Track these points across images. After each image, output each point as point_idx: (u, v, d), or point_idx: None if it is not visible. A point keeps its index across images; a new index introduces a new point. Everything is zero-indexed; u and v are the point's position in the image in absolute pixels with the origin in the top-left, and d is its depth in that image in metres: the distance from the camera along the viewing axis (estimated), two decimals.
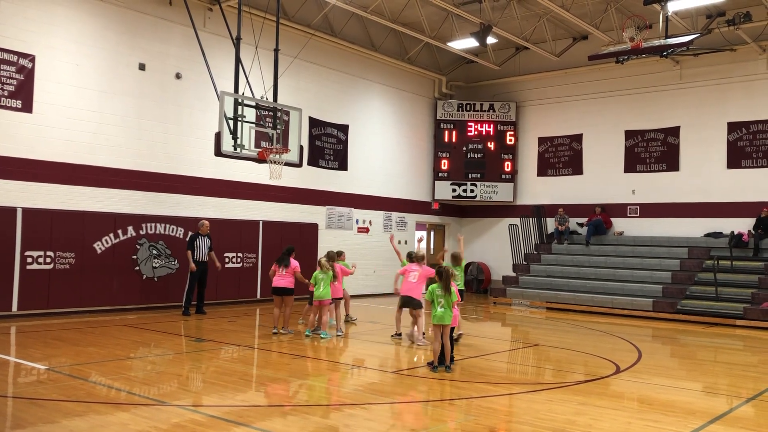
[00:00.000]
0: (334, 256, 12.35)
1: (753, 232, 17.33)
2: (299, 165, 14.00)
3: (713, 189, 18.56)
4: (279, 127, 12.99)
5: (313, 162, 18.39)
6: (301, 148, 13.87)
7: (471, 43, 18.28)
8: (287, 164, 13.17)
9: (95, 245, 13.75)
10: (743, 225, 17.67)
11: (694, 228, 18.65)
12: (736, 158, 18.31)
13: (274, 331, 11.72)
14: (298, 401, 7.39)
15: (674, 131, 19.38)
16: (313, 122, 18.39)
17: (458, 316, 9.56)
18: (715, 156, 18.62)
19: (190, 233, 14.38)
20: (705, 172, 18.77)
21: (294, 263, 11.92)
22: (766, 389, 8.46)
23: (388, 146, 21.04)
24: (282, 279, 11.80)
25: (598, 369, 9.41)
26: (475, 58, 21.11)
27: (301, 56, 17.50)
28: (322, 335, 11.42)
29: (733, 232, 17.55)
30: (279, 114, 13.10)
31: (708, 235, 18.34)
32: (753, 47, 17.51)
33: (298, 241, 17.77)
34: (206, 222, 14.17)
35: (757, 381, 9.02)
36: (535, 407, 7.22)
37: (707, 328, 14.96)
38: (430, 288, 9.03)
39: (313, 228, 18.25)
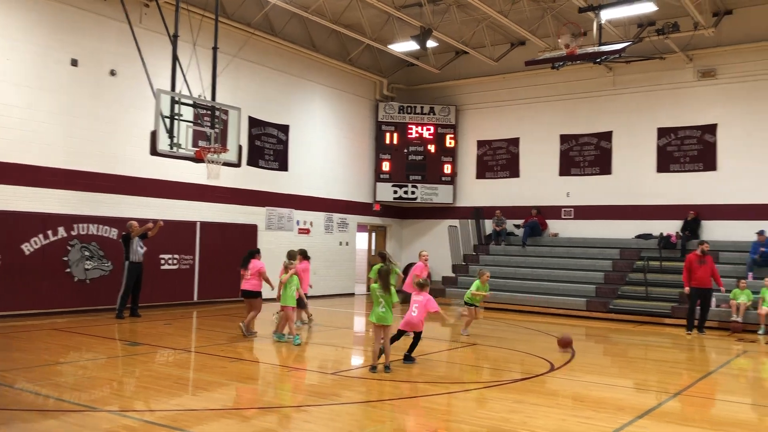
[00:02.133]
0: (296, 255, 11.97)
1: (680, 233, 18.04)
2: (238, 165, 13.82)
3: (644, 192, 19.23)
4: (217, 126, 12.79)
5: (253, 162, 18.17)
6: (240, 147, 13.69)
7: (412, 46, 18.43)
8: (226, 164, 12.98)
9: (23, 246, 13.21)
10: (672, 227, 18.38)
11: (626, 230, 19.28)
12: (665, 162, 19.03)
13: (245, 334, 11.54)
14: (234, 404, 7.28)
15: (607, 136, 20.00)
16: (253, 122, 18.17)
17: (421, 320, 9.46)
18: (645, 160, 19.30)
19: (122, 234, 14.00)
20: (636, 176, 19.43)
21: (257, 265, 11.69)
22: (692, 384, 8.82)
23: (329, 147, 20.98)
24: (246, 282, 11.67)
25: (533, 367, 9.62)
26: (416, 61, 21.29)
27: (241, 55, 17.27)
28: (294, 341, 10.91)
29: (662, 234, 18.24)
30: (217, 113, 12.89)
31: (639, 236, 19.00)
32: (681, 56, 18.23)
33: (237, 243, 17.55)
34: (134, 223, 13.83)
35: (684, 377, 9.39)
36: (472, 406, 7.32)
37: (638, 326, 15.48)
38: (371, 287, 9.08)
39: (252, 229, 18.03)
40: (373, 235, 23.48)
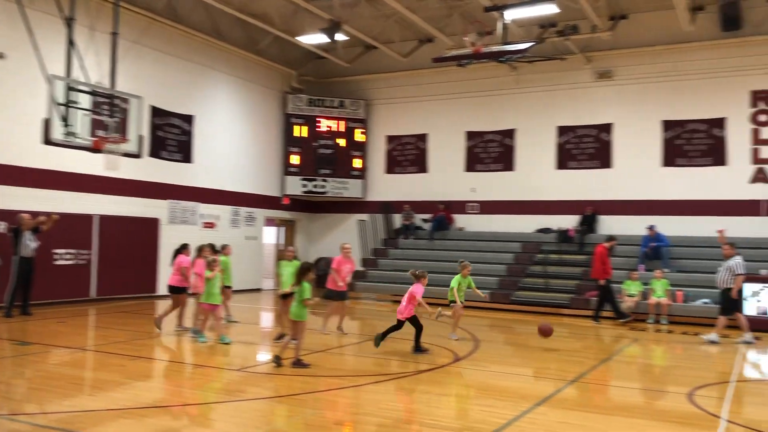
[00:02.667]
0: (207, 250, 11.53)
1: (578, 228, 18.87)
2: (139, 156, 13.31)
3: (544, 188, 19.97)
4: (117, 115, 12.26)
5: (155, 153, 17.52)
6: (141, 138, 13.19)
7: (321, 38, 18.32)
8: (126, 155, 12.48)
9: None
10: (570, 222, 19.19)
11: (528, 224, 19.97)
12: (564, 160, 19.83)
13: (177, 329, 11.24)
14: (134, 404, 7.00)
15: (510, 133, 20.63)
16: (156, 111, 17.52)
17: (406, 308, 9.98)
18: (546, 157, 20.04)
19: (12, 228, 13.17)
20: (537, 173, 20.15)
21: (181, 260, 11.35)
22: (587, 372, 9.24)
23: (236, 139, 20.55)
24: (171, 277, 11.47)
25: (439, 358, 9.79)
26: (326, 54, 21.17)
27: (143, 42, 16.61)
28: (199, 338, 10.52)
29: (560, 228, 19.03)
30: (117, 101, 12.35)
31: (539, 230, 19.72)
32: (580, 57, 19.04)
33: (138, 237, 16.93)
34: (25, 216, 13.05)
35: (581, 365, 9.81)
36: (379, 398, 7.37)
37: (538, 317, 16.06)
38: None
39: (154, 223, 17.41)
40: (282, 229, 23.21)
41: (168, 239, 17.03)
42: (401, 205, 21.71)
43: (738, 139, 17.72)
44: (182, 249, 11.67)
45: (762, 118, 17.54)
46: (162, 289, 17.41)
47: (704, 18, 17.55)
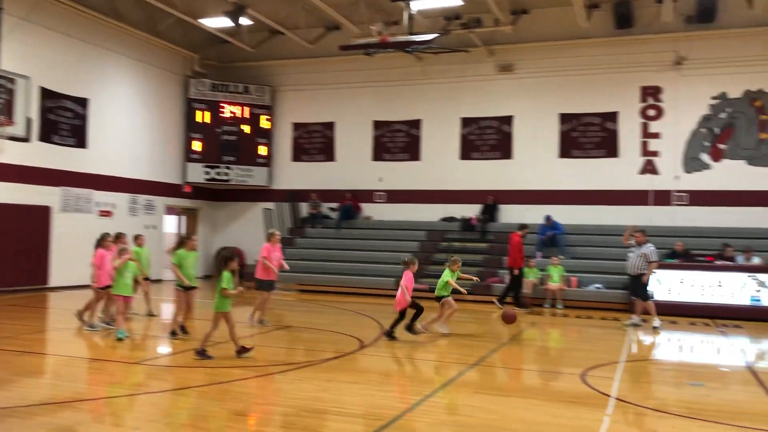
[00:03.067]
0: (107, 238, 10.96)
1: (480, 217, 19.40)
2: (27, 140, 12.54)
3: (449, 178, 20.37)
4: (2, 96, 11.47)
5: (46, 138, 16.51)
6: (30, 120, 12.45)
7: (224, 22, 17.85)
8: (12, 138, 11.72)
9: None
10: (473, 211, 19.69)
11: (433, 213, 20.33)
12: (468, 151, 20.30)
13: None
14: (22, 401, 6.60)
15: (416, 124, 20.89)
16: (46, 93, 16.48)
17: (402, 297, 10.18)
18: (450, 148, 20.44)
19: None
20: (442, 163, 20.53)
21: (97, 253, 10.67)
22: (487, 355, 9.53)
23: (134, 123, 19.73)
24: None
25: (345, 346, 9.82)
26: (230, 38, 20.65)
27: (31, 19, 15.61)
28: (117, 334, 9.81)
29: (464, 217, 19.50)
30: (2, 81, 11.56)
31: (444, 219, 20.13)
32: (483, 50, 19.49)
33: (26, 226, 15.99)
34: None
35: (481, 349, 10.10)
36: (285, 387, 7.32)
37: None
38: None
39: (44, 211, 16.47)
40: (183, 218, 22.53)
41: (61, 228, 16.17)
42: (308, 194, 21.57)
43: (629, 132, 18.72)
44: (100, 240, 11.01)
45: (651, 112, 18.59)
46: (55, 281, 16.56)
47: (599, 15, 18.38)
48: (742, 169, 17.72)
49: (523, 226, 16.19)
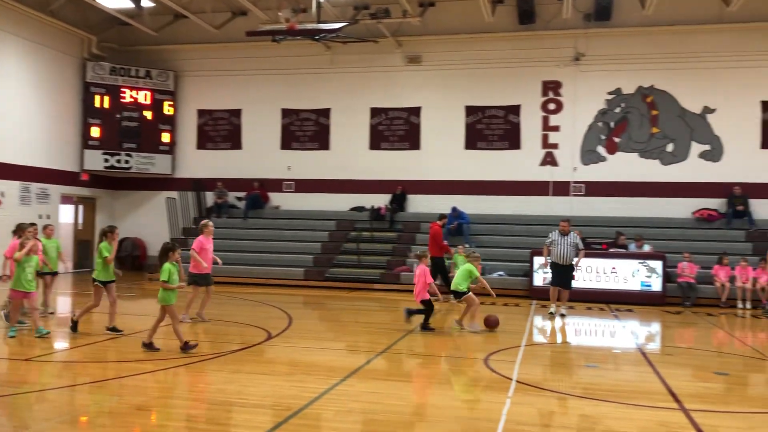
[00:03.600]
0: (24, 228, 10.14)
1: (389, 206, 19.57)
2: None
3: (358, 168, 20.41)
4: None
5: None
6: None
7: (124, 2, 17.09)
8: None
9: None
10: (382, 200, 19.84)
11: (342, 203, 20.33)
12: (377, 141, 20.41)
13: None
14: None
15: (326, 113, 20.79)
16: None
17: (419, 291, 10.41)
18: (360, 138, 20.48)
19: None
20: (352, 152, 20.54)
21: (11, 243, 9.86)
22: (395, 343, 9.65)
23: (26, 107, 18.57)
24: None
25: (251, 337, 9.69)
26: (131, 21, 19.78)
27: None
28: (9, 332, 9.20)
29: (373, 207, 19.61)
30: None
31: (353, 209, 20.17)
32: (391, 41, 19.61)
33: None
34: None
35: (389, 336, 10.22)
36: (189, 380, 7.14)
37: (351, 293, 16.49)
38: None
39: None
40: (81, 207, 21.47)
41: None
42: (214, 183, 21.05)
43: (531, 125, 19.38)
44: (16, 230, 10.23)
45: (551, 106, 19.31)
46: None
47: (503, 11, 18.88)
48: (634, 161, 18.74)
49: (442, 216, 16.36)
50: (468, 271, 10.80)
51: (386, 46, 19.69)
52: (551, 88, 19.30)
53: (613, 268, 15.72)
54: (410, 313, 10.99)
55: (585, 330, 12.18)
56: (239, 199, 20.95)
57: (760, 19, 17.64)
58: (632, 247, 16.53)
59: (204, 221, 11.83)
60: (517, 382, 7.25)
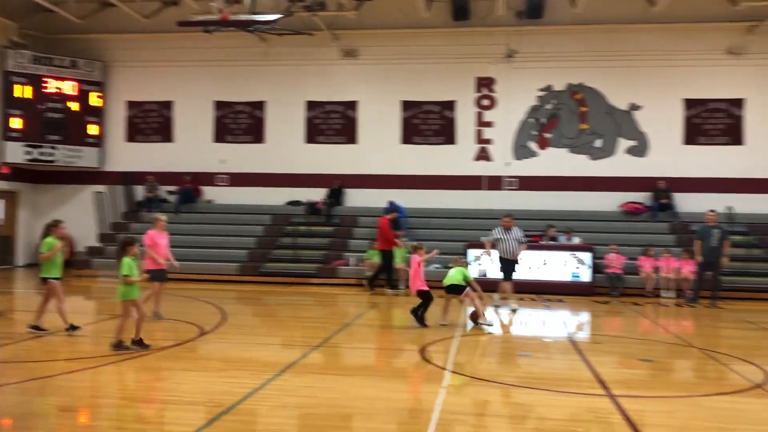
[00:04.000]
0: None
1: (326, 201, 19.47)
2: None
3: (294, 161, 20.20)
4: None
5: None
6: None
7: None
8: None
9: None
10: (319, 195, 19.71)
11: (278, 197, 20.06)
12: (313, 134, 20.25)
13: None
14: None
15: (260, 105, 20.49)
16: None
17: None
18: (296, 131, 20.28)
19: None
20: (288, 146, 20.31)
21: None
22: (331, 337, 9.61)
23: None
24: None
25: (184, 334, 9.47)
26: (54, 7, 18.95)
27: None
28: None
29: (309, 201, 19.47)
30: None
31: (289, 203, 19.96)
32: (327, 34, 19.46)
33: None
34: None
35: (325, 330, 10.17)
36: (117, 379, 6.93)
37: (287, 287, 16.33)
38: None
39: None
40: (2, 202, 20.48)
41: None
42: (144, 176, 20.46)
43: (465, 120, 19.62)
44: None
45: (485, 102, 19.60)
46: None
47: (438, 6, 19.02)
48: (564, 156, 19.24)
49: (389, 210, 16.39)
50: (462, 274, 10.77)
51: (322, 40, 19.54)
52: (485, 84, 19.58)
53: (544, 260, 16.10)
54: (417, 315, 10.54)
55: (518, 320, 12.43)
56: (171, 193, 20.42)
57: (685, 20, 18.37)
58: (562, 240, 16.98)
59: (156, 215, 11.56)
60: (452, 372, 7.33)
